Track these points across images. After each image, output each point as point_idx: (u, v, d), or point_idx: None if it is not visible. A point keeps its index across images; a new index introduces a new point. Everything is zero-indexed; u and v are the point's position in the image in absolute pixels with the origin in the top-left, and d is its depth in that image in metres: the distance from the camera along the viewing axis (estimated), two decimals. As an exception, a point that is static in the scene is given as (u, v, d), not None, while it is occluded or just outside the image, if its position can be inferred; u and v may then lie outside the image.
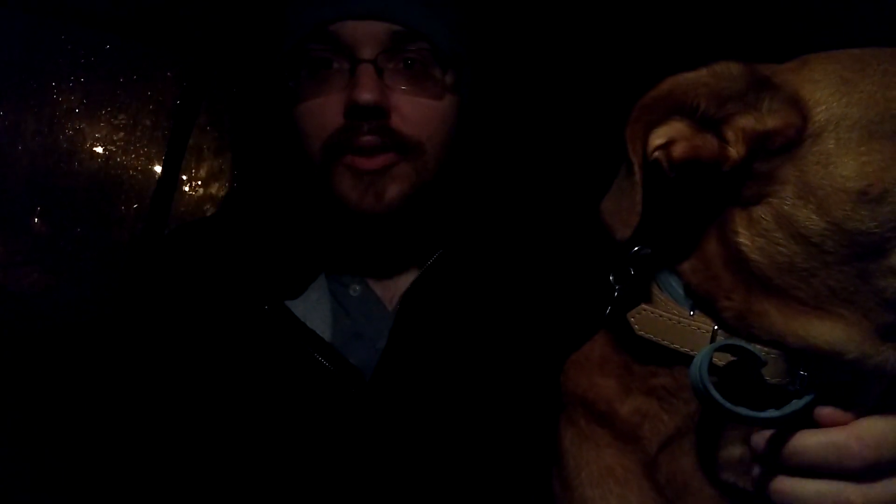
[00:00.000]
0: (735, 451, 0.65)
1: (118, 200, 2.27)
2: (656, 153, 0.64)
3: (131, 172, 2.25)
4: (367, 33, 0.86)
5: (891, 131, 0.57)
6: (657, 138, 0.64)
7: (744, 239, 0.63)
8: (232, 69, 2.18)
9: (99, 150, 2.19)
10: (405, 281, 0.95)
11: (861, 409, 0.58)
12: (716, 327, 0.64)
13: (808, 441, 0.57)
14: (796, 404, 0.58)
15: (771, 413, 0.59)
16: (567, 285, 0.94)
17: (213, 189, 2.40)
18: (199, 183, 2.40)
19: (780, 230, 0.61)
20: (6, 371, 1.72)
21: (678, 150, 0.63)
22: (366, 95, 0.84)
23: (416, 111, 0.88)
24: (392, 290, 0.95)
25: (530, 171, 1.57)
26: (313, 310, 0.90)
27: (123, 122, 2.21)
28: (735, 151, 0.62)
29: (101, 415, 0.93)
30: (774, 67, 0.64)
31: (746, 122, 0.62)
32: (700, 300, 0.66)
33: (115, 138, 2.21)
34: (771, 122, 0.61)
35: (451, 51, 0.91)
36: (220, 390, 0.85)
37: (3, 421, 1.58)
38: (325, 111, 0.87)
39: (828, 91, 0.60)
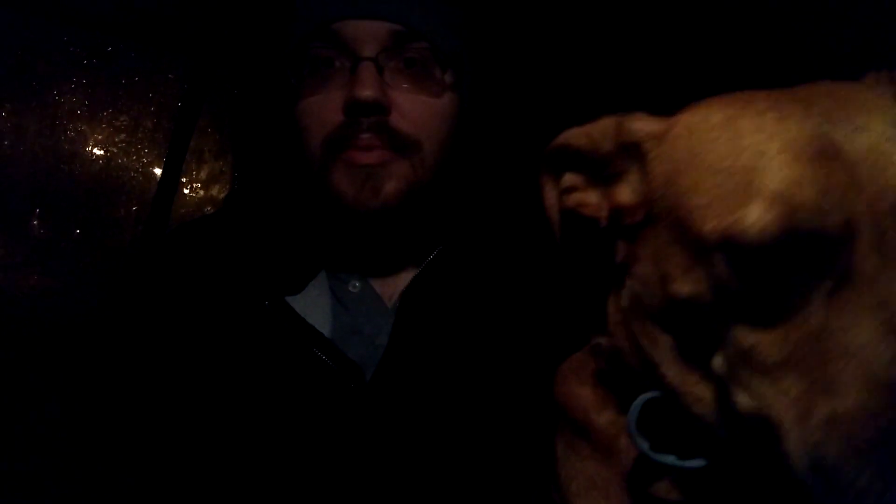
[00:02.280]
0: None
1: (119, 202, 2.28)
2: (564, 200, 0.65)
3: (132, 174, 2.26)
4: (368, 32, 0.87)
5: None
6: (556, 187, 0.66)
7: (611, 319, 0.63)
8: (233, 72, 2.19)
9: (100, 151, 2.20)
10: (404, 278, 0.96)
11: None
12: None
13: None
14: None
15: (697, 462, 0.58)
16: (566, 284, 0.95)
17: (214, 191, 2.40)
18: (200, 185, 2.40)
19: (631, 320, 0.60)
20: (6, 372, 1.72)
21: (569, 201, 0.65)
22: (366, 92, 0.85)
23: (415, 109, 0.89)
24: (391, 287, 0.96)
25: (529, 170, 1.57)
26: (313, 306, 0.91)
27: (125, 124, 2.22)
28: (602, 216, 0.62)
29: (101, 412, 0.93)
30: (653, 128, 0.59)
31: (608, 190, 0.61)
32: None
33: (116, 140, 2.21)
34: (622, 196, 0.60)
35: (451, 51, 0.92)
36: (222, 386, 0.85)
37: (4, 422, 1.58)
38: (325, 108, 0.88)
39: (674, 168, 0.55)
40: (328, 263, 0.96)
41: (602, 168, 0.62)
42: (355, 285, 0.95)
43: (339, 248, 0.96)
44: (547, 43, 1.69)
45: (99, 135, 2.19)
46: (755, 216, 0.45)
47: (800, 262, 0.46)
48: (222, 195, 2.37)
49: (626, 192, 0.60)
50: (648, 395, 0.60)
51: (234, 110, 2.30)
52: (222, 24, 2.00)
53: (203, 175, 2.39)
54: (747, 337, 0.49)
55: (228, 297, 0.90)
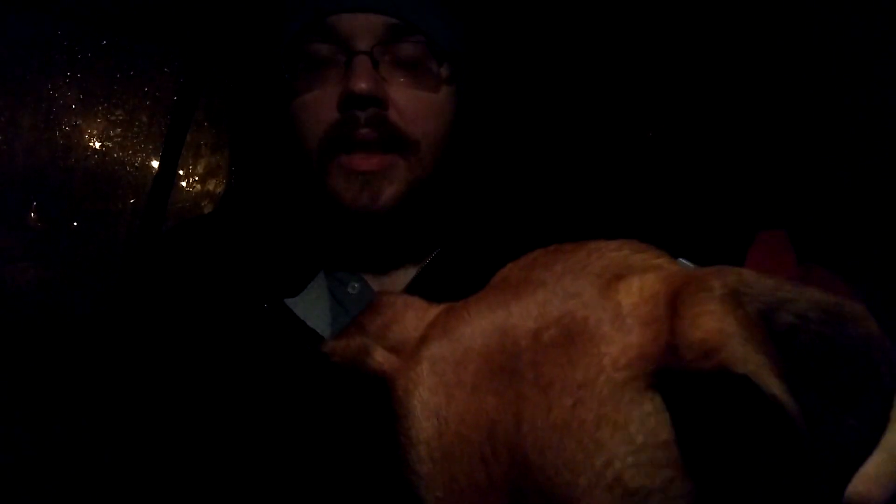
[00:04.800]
0: None
1: (115, 196, 2.27)
2: None
3: (128, 168, 2.25)
4: (363, 25, 0.87)
5: None
6: None
7: None
8: (229, 66, 2.18)
9: (96, 146, 2.19)
10: (404, 279, 0.95)
11: None
12: None
13: None
14: None
15: None
16: None
17: (211, 185, 2.40)
18: (197, 179, 2.40)
19: None
20: (3, 367, 1.72)
21: None
22: (361, 84, 0.84)
23: (411, 104, 0.89)
24: (390, 287, 0.95)
25: (527, 167, 1.57)
26: (312, 307, 0.90)
27: (120, 118, 2.21)
28: None
29: (99, 412, 0.93)
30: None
31: None
32: None
33: (112, 134, 2.21)
34: None
35: (447, 45, 0.92)
36: (220, 389, 0.85)
37: (1, 415, 1.58)
38: (321, 104, 0.88)
39: None
40: (327, 264, 0.96)
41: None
42: (354, 286, 0.94)
43: (338, 249, 0.96)
44: (544, 37, 1.69)
45: (95, 129, 2.18)
46: None
47: None
48: (219, 189, 2.37)
49: None
50: None
51: (230, 104, 2.29)
52: (218, 17, 1.99)
53: (200, 169, 2.39)
54: None
55: (226, 299, 0.90)
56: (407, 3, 0.89)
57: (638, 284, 0.42)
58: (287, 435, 0.84)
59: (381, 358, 0.50)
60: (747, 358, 0.35)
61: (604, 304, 0.41)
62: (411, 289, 0.93)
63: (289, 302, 0.89)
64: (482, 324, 0.45)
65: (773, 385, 0.34)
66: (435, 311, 0.52)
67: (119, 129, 2.21)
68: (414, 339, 0.49)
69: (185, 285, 0.92)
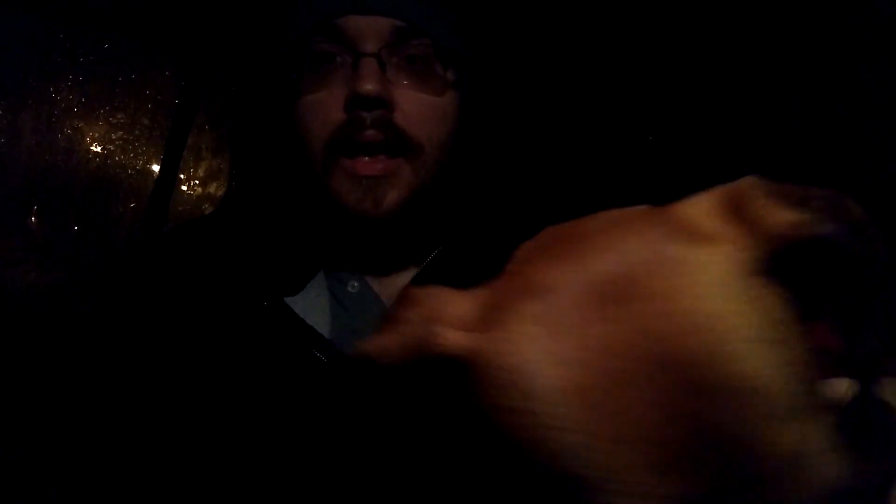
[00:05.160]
0: None
1: (116, 199, 2.27)
2: None
3: (129, 171, 2.26)
4: (370, 27, 0.87)
5: None
6: None
7: None
8: (231, 69, 2.19)
9: (97, 148, 2.20)
10: (404, 278, 0.95)
11: None
12: None
13: None
14: None
15: None
16: None
17: (212, 188, 2.40)
18: (198, 182, 2.40)
19: None
20: (4, 369, 1.72)
21: None
22: (367, 86, 0.84)
23: (417, 107, 0.89)
24: (390, 287, 0.95)
25: (530, 169, 1.57)
26: (312, 306, 0.90)
27: (122, 120, 2.21)
28: None
29: (98, 412, 0.93)
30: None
31: None
32: None
33: (113, 137, 2.21)
34: None
35: (453, 48, 0.92)
36: (219, 387, 0.85)
37: (2, 419, 1.57)
38: (327, 105, 0.88)
39: None
40: (327, 263, 0.96)
41: None
42: (354, 286, 0.94)
43: (338, 249, 0.96)
44: (549, 41, 1.69)
45: (96, 132, 2.18)
46: None
47: None
48: (220, 192, 2.37)
49: None
50: None
51: (231, 107, 2.30)
52: (219, 20, 1.99)
53: (201, 172, 2.39)
54: None
55: (226, 298, 0.90)
56: (414, 5, 0.89)
57: (688, 208, 0.44)
58: (287, 434, 0.84)
59: (454, 336, 0.47)
60: (826, 225, 0.40)
61: (671, 230, 0.42)
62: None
63: (289, 301, 0.90)
64: (561, 278, 0.43)
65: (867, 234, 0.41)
66: (481, 290, 0.50)
67: (120, 132, 2.22)
68: (476, 314, 0.46)
69: (184, 284, 0.92)
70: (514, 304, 0.43)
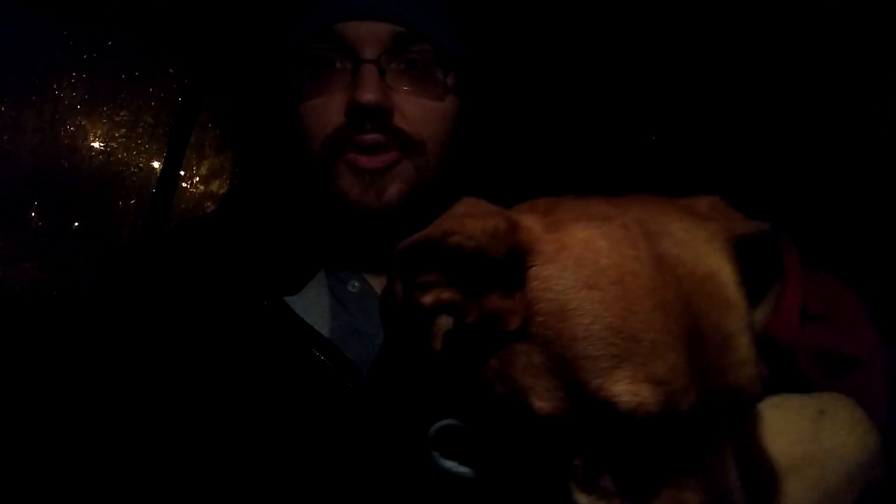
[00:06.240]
0: None
1: (119, 197, 2.27)
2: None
3: (132, 169, 2.25)
4: (370, 33, 0.87)
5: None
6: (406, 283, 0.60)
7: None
8: (234, 67, 2.19)
9: (100, 146, 2.19)
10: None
11: None
12: None
13: None
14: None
15: (465, 470, 0.67)
16: None
17: (214, 186, 2.40)
18: (200, 180, 2.40)
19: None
20: (5, 367, 1.72)
21: (426, 297, 0.59)
22: (368, 95, 0.84)
23: (418, 111, 0.89)
24: (390, 286, 0.95)
25: (530, 171, 1.57)
26: (312, 306, 0.91)
27: (125, 118, 2.21)
28: (469, 317, 0.59)
29: (96, 410, 0.93)
30: (542, 242, 0.57)
31: (478, 292, 0.58)
32: None
33: (116, 135, 2.21)
34: (496, 303, 0.57)
35: (452, 52, 0.92)
36: (219, 386, 0.85)
37: (2, 416, 1.58)
38: (327, 110, 0.88)
39: (561, 304, 0.54)
40: (327, 263, 0.96)
41: (476, 270, 0.57)
42: (354, 285, 0.95)
43: (339, 248, 0.96)
44: (548, 44, 1.69)
45: (99, 130, 2.18)
46: (642, 396, 0.50)
47: (662, 440, 0.51)
48: (222, 190, 2.37)
49: (500, 301, 0.57)
50: (445, 422, 0.68)
51: (234, 106, 2.30)
52: (223, 19, 1.99)
53: (203, 170, 2.39)
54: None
55: (227, 297, 0.90)
56: (413, 11, 0.89)
57: (690, 202, 0.63)
58: (285, 433, 0.84)
59: (530, 234, 0.57)
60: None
61: (686, 208, 0.61)
62: None
63: (289, 300, 0.90)
64: (611, 210, 0.59)
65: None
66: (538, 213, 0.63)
67: (123, 130, 2.21)
68: (542, 222, 0.59)
69: (185, 283, 0.93)
70: (573, 221, 0.58)
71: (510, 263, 0.57)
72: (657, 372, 0.50)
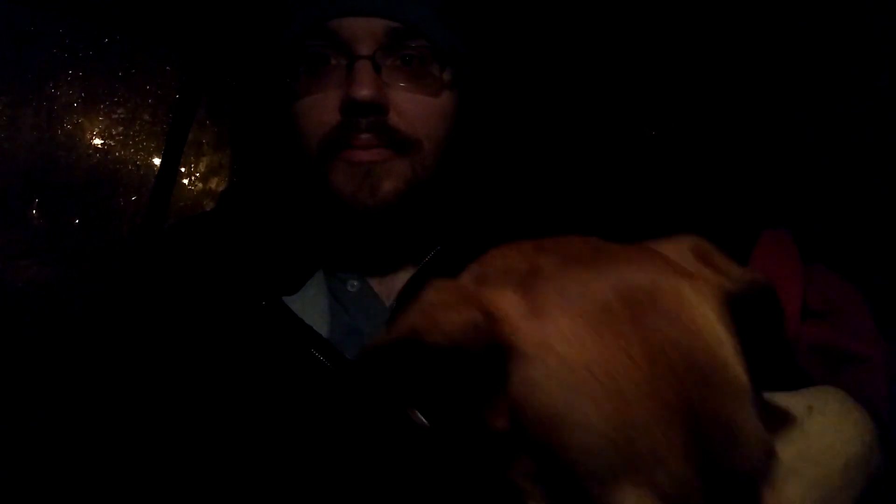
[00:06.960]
0: None
1: (117, 194, 2.27)
2: None
3: (130, 167, 2.26)
4: (364, 30, 0.87)
5: None
6: None
7: None
8: (232, 64, 2.18)
9: (98, 144, 2.20)
10: (403, 277, 0.95)
11: None
12: None
13: None
14: None
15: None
16: None
17: (213, 184, 2.40)
18: (198, 177, 2.40)
19: None
20: (3, 363, 1.72)
21: None
22: (363, 91, 0.84)
23: (414, 108, 0.89)
24: (390, 286, 0.95)
25: (528, 168, 1.57)
26: (311, 306, 0.90)
27: (122, 116, 2.21)
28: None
29: (94, 410, 0.93)
30: (523, 335, 0.52)
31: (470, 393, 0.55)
32: None
33: (113, 132, 2.21)
34: (483, 400, 0.54)
35: (449, 48, 0.92)
36: (217, 386, 0.85)
37: (1, 415, 1.58)
38: (322, 108, 0.88)
39: (550, 412, 0.50)
40: (326, 262, 0.96)
41: (453, 364, 0.54)
42: (353, 284, 0.94)
43: (337, 247, 0.96)
44: (545, 39, 1.69)
45: (96, 127, 2.18)
46: None
47: None
48: (221, 188, 2.37)
49: (482, 397, 0.54)
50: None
51: (232, 103, 2.29)
52: (220, 16, 1.99)
53: (202, 167, 2.39)
54: None
55: (224, 296, 0.90)
56: (409, 6, 0.89)
57: (666, 251, 0.58)
58: (284, 434, 0.83)
59: (507, 308, 0.54)
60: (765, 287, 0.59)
61: (663, 265, 0.55)
62: (410, 287, 0.92)
63: (287, 299, 0.89)
64: (592, 286, 0.53)
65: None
66: (521, 288, 0.57)
67: (121, 128, 2.22)
68: (525, 307, 0.54)
69: (183, 282, 0.92)
70: (554, 305, 0.52)
71: (489, 358, 0.52)
72: (660, 483, 0.46)
